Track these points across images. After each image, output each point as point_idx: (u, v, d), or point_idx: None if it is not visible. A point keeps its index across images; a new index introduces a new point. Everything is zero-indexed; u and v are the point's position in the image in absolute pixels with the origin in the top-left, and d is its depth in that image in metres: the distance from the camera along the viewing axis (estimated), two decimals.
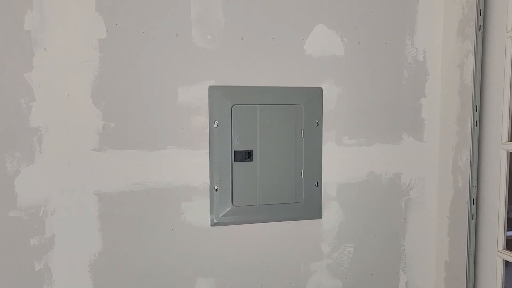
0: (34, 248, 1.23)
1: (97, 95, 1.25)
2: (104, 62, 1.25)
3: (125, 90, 1.27)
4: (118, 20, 1.25)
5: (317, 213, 1.43)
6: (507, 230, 1.33)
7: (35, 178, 1.22)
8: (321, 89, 1.41)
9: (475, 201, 1.38)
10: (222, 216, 1.36)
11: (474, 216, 1.38)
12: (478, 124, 1.36)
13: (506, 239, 1.33)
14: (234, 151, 1.35)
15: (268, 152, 1.37)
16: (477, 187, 1.38)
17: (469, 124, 1.37)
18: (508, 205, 1.32)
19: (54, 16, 1.20)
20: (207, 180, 1.34)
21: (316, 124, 1.41)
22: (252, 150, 1.36)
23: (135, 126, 1.28)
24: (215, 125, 1.33)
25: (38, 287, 1.24)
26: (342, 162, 1.45)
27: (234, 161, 1.35)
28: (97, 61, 1.24)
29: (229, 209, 1.36)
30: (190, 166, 1.33)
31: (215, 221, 1.35)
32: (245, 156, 1.36)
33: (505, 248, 1.32)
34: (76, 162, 1.25)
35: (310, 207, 1.42)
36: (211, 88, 1.32)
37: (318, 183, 1.43)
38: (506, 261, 1.31)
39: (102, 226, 1.28)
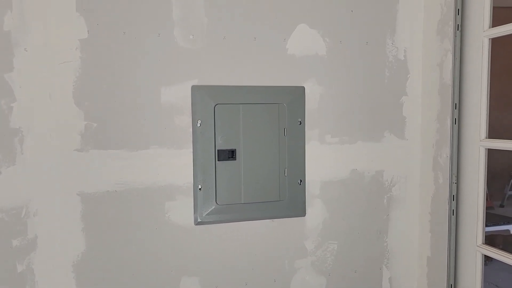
0: (16, 249, 1.23)
1: (79, 95, 1.25)
2: (85, 62, 1.24)
3: (107, 91, 1.27)
4: (100, 20, 1.25)
5: (300, 211, 1.45)
6: (486, 226, 1.36)
7: (16, 179, 1.21)
8: (303, 88, 1.42)
9: (455, 197, 1.40)
10: (206, 215, 1.36)
11: (455, 212, 1.41)
12: (458, 121, 1.39)
13: (485, 234, 1.36)
14: (218, 150, 1.36)
15: (252, 151, 1.38)
16: (457, 183, 1.40)
17: (448, 122, 1.40)
18: (493, 201, 1.35)
19: (34, 17, 1.20)
20: (190, 179, 1.35)
21: (299, 123, 1.42)
22: (235, 149, 1.37)
23: (118, 126, 1.28)
24: (198, 125, 1.34)
25: None
26: (325, 160, 1.47)
27: (218, 160, 1.36)
28: (79, 61, 1.24)
29: (213, 208, 1.37)
30: (173, 165, 1.33)
31: (199, 220, 1.36)
32: (229, 155, 1.37)
33: (484, 243, 1.35)
34: (58, 162, 1.24)
35: (293, 205, 1.44)
36: (194, 88, 1.33)
37: (302, 181, 1.44)
38: (485, 255, 1.34)
39: (85, 226, 1.28)
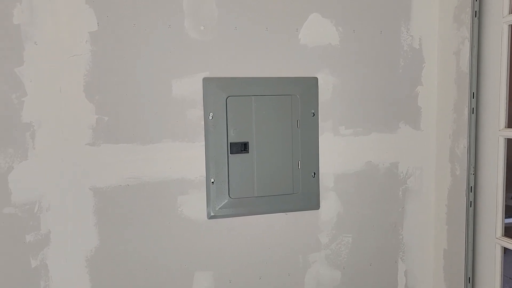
0: (30, 245, 1.22)
1: (90, 89, 1.23)
2: (96, 55, 1.23)
3: (118, 84, 1.25)
4: (109, 12, 1.23)
5: (314, 204, 1.43)
6: (505, 217, 1.33)
7: (29, 174, 1.21)
8: (316, 78, 1.39)
9: (473, 189, 1.37)
10: (219, 208, 1.35)
11: (472, 204, 1.38)
12: (475, 111, 1.35)
13: (504, 226, 1.33)
14: (230, 143, 1.34)
15: (264, 144, 1.36)
16: (475, 174, 1.37)
17: (466, 112, 1.36)
18: (506, 192, 1.32)
19: (44, 9, 1.18)
20: (203, 173, 1.33)
21: (312, 115, 1.40)
22: (248, 142, 1.35)
23: (129, 120, 1.27)
24: (210, 117, 1.32)
25: (35, 283, 1.23)
26: (339, 152, 1.44)
27: (230, 153, 1.34)
28: (89, 54, 1.22)
29: (226, 201, 1.35)
30: (185, 159, 1.32)
31: (212, 214, 1.34)
32: (241, 148, 1.35)
33: (503, 235, 1.32)
34: (70, 157, 1.23)
35: (307, 198, 1.42)
36: (205, 80, 1.31)
37: (315, 174, 1.42)
38: (504, 248, 1.31)
39: (98, 221, 1.27)
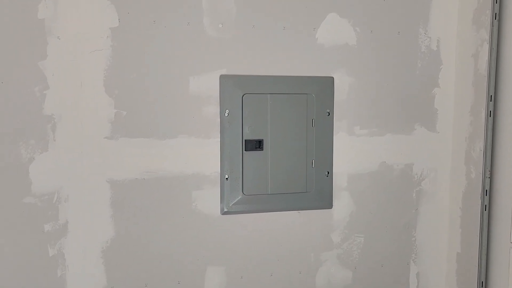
0: (48, 234, 1.25)
1: (110, 83, 1.26)
2: (116, 50, 1.25)
3: (137, 79, 1.28)
4: (130, 9, 1.25)
5: (327, 203, 1.43)
6: None
7: (49, 165, 1.24)
8: (332, 78, 1.40)
9: (488, 192, 1.36)
10: (232, 204, 1.36)
11: (487, 208, 1.37)
12: (492, 114, 1.34)
13: None
14: (245, 140, 1.35)
15: (279, 142, 1.37)
16: (491, 178, 1.36)
17: (483, 115, 1.35)
18: None
19: (67, 5, 1.21)
20: (217, 169, 1.35)
21: (328, 114, 1.40)
22: (262, 140, 1.36)
23: (147, 114, 1.29)
24: (226, 114, 1.34)
25: (52, 272, 1.26)
26: (353, 152, 1.44)
27: (245, 150, 1.35)
28: (110, 49, 1.25)
29: (239, 198, 1.36)
30: (201, 155, 1.34)
31: (225, 209, 1.36)
32: (256, 145, 1.36)
33: None
34: (88, 149, 1.26)
35: (320, 197, 1.42)
36: (222, 77, 1.33)
37: (329, 173, 1.42)
38: None
39: (114, 213, 1.29)
